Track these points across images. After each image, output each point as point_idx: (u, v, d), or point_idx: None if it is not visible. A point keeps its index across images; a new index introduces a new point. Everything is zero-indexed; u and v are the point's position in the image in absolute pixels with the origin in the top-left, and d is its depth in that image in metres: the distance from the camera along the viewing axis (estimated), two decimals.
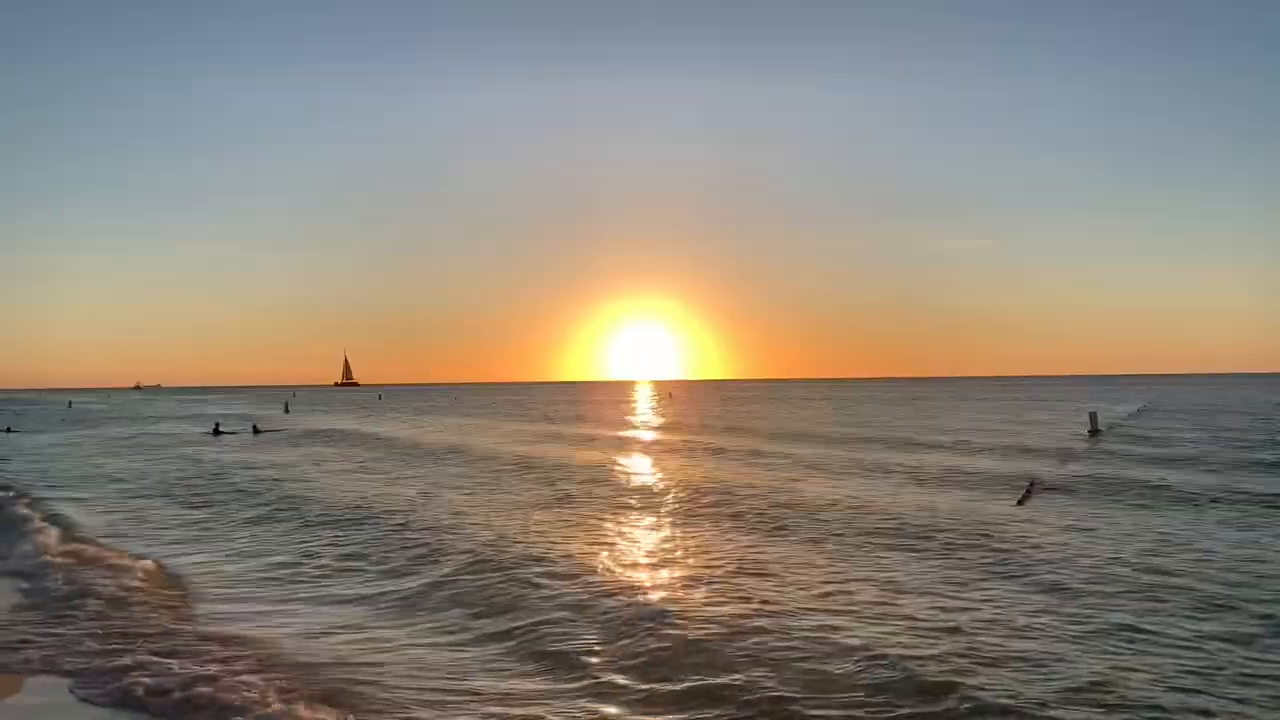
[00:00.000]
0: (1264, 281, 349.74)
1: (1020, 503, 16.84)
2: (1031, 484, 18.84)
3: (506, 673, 7.56)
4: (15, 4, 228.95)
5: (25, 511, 16.98)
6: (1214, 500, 16.51)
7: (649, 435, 40.26)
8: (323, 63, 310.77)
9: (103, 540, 14.10)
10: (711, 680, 7.00)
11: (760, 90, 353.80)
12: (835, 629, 8.24)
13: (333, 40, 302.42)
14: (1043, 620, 8.57)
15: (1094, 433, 34.04)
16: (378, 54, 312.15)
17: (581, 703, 6.75)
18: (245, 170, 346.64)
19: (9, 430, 46.57)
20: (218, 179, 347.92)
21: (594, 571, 10.98)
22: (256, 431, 43.80)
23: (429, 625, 9.17)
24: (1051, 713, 6.16)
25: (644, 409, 73.08)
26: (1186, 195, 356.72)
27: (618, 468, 25.05)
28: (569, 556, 11.93)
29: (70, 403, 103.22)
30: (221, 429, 44.33)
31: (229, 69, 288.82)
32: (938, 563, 11.46)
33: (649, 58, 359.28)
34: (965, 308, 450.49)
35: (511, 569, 11.19)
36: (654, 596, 9.65)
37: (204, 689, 6.90)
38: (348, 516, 16.35)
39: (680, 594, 9.80)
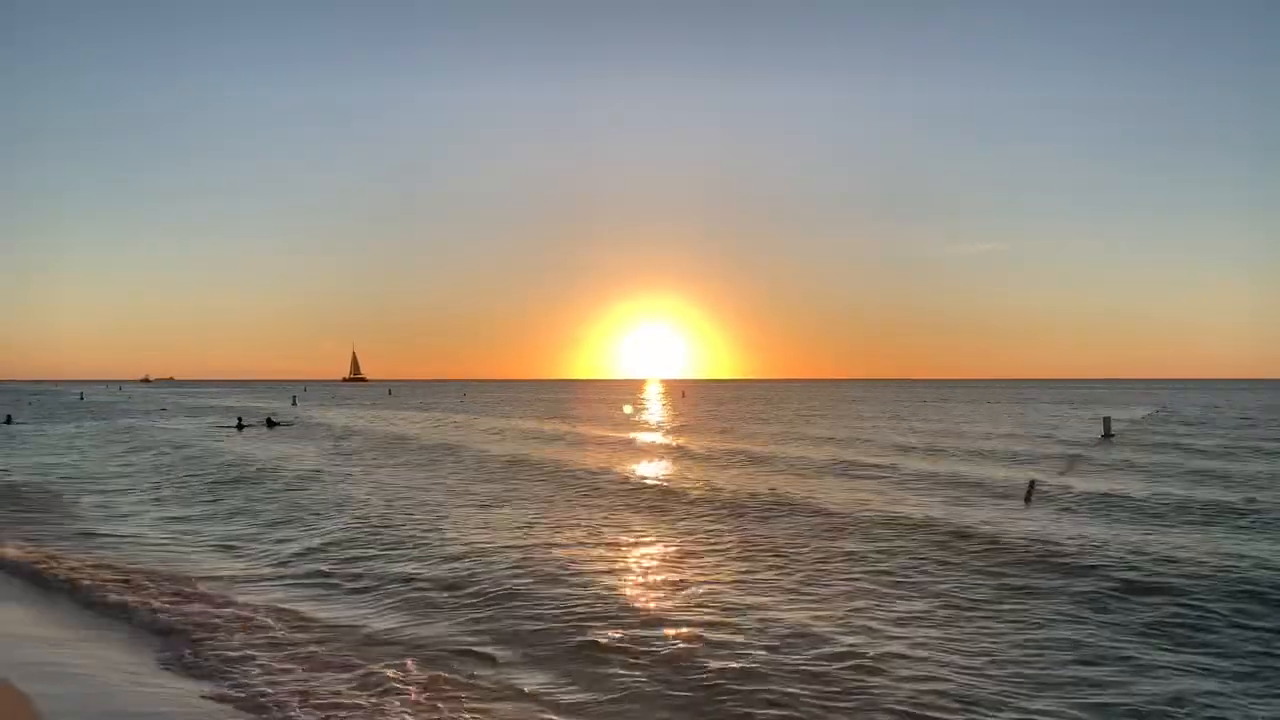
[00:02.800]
0: (1275, 287, 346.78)
1: (1026, 500, 17.16)
2: (1032, 484, 18.79)
3: None
4: (18, 4, 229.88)
5: None
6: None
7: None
8: (328, 63, 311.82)
9: None
10: None
11: (771, 90, 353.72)
12: None
13: (338, 40, 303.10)
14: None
15: (1106, 436, 34.31)
16: (381, 54, 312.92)
17: None
18: (255, 167, 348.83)
19: (7, 421, 46.87)
20: (227, 176, 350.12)
21: None
22: (271, 425, 44.76)
23: None
24: None
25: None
26: (1199, 199, 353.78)
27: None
28: None
29: (82, 395, 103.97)
30: (245, 423, 45.07)
31: (236, 69, 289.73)
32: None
33: (653, 57, 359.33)
34: (976, 311, 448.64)
35: None
36: None
37: None
38: None
39: None
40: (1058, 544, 12.42)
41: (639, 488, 19.87)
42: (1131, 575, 10.56)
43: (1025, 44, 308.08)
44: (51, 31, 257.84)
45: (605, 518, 15.78)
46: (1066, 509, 16.04)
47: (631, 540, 13.66)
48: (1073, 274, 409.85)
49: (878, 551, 12.46)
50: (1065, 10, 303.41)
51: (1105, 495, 17.56)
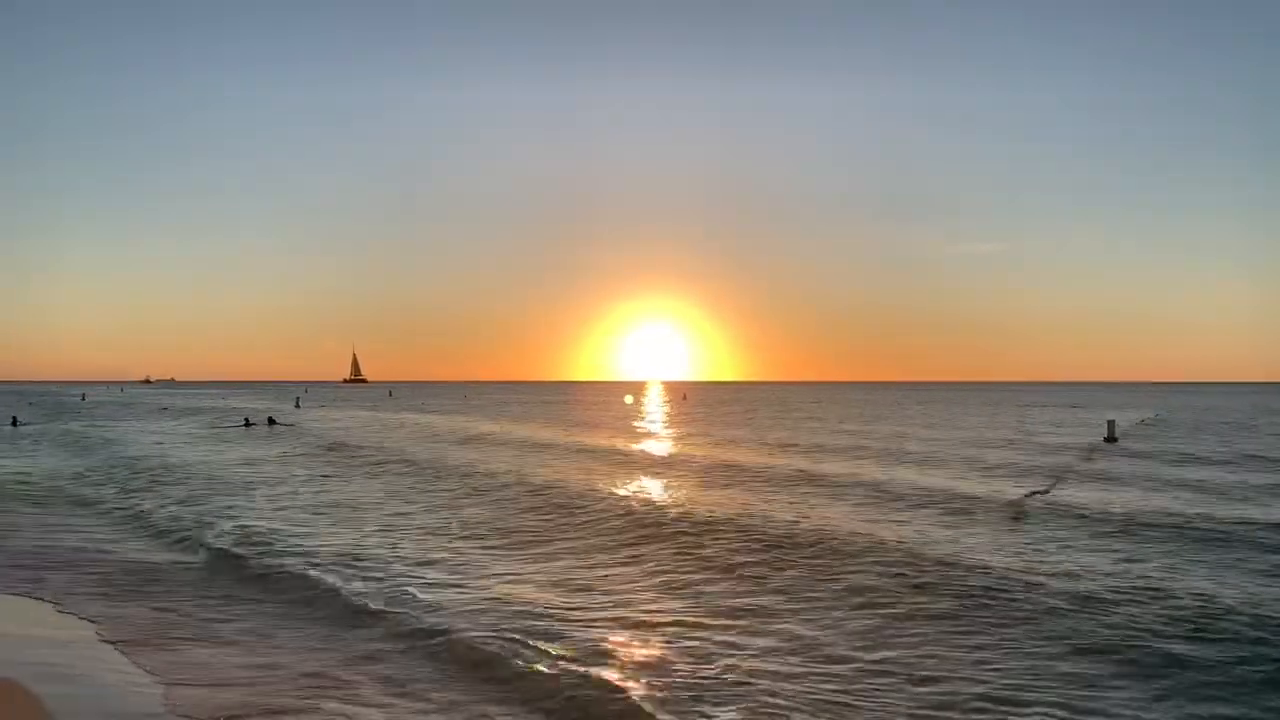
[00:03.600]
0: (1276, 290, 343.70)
1: (1018, 514, 16.77)
2: (1030, 494, 18.62)
3: None
4: (18, 4, 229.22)
5: None
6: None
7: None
8: (328, 63, 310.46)
9: None
10: None
11: (772, 90, 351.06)
12: None
13: (338, 40, 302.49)
14: None
15: (1110, 440, 34.18)
16: (381, 54, 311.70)
17: None
18: (255, 167, 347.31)
19: (13, 423, 46.92)
20: (227, 176, 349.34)
21: None
22: (272, 423, 45.51)
23: None
24: None
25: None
26: (1204, 201, 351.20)
27: None
28: None
29: (84, 395, 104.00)
30: (251, 421, 46.07)
31: (236, 69, 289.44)
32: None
33: (653, 57, 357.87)
34: (980, 312, 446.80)
35: None
36: None
37: None
38: None
39: None
40: (1043, 577, 10.80)
41: (584, 504, 17.81)
42: (1118, 619, 8.97)
43: (1025, 44, 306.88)
44: (51, 31, 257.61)
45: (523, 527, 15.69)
46: (1059, 528, 14.59)
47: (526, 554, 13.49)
48: (1078, 275, 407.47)
49: (817, 581, 10.96)
50: (1065, 10, 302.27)
51: (1105, 510, 16.19)
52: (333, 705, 7.00)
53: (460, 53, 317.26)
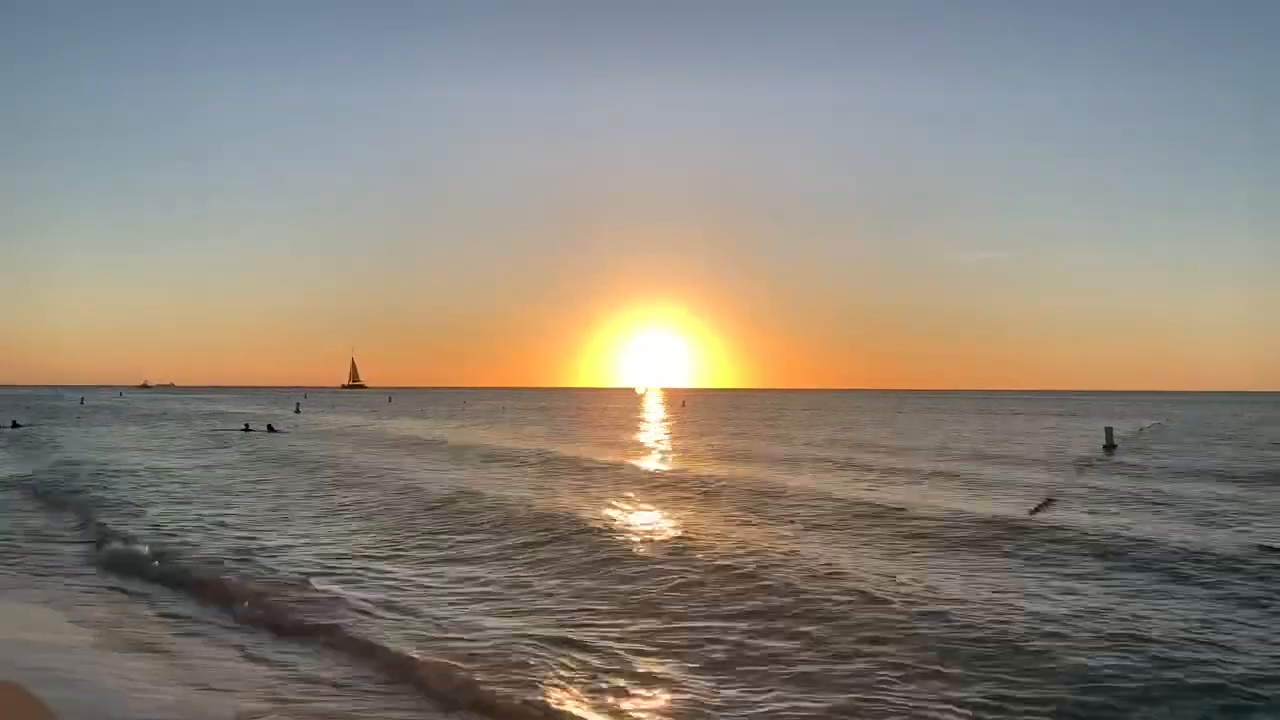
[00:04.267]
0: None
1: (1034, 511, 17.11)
2: (1046, 501, 18.62)
3: None
4: (18, 4, 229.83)
5: None
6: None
7: None
8: (328, 63, 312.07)
9: None
10: None
11: (772, 90, 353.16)
12: None
13: (338, 40, 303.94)
14: None
15: (1109, 448, 34.14)
16: (381, 54, 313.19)
17: None
18: (255, 167, 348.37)
19: (14, 425, 46.96)
20: (228, 176, 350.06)
21: None
22: (271, 429, 45.61)
23: None
24: None
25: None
26: (1210, 200, 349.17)
27: None
28: None
29: (83, 399, 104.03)
30: (250, 427, 46.71)
31: (236, 69, 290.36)
32: None
33: (653, 57, 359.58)
34: (986, 317, 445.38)
35: None
36: None
37: None
38: None
39: None
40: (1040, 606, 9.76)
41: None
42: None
43: (1025, 44, 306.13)
44: (51, 31, 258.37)
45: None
46: (1055, 546, 13.60)
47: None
48: (1079, 279, 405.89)
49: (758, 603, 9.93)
50: (1065, 10, 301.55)
51: (1097, 526, 15.32)
52: (331, 708, 7.03)
53: (460, 53, 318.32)
